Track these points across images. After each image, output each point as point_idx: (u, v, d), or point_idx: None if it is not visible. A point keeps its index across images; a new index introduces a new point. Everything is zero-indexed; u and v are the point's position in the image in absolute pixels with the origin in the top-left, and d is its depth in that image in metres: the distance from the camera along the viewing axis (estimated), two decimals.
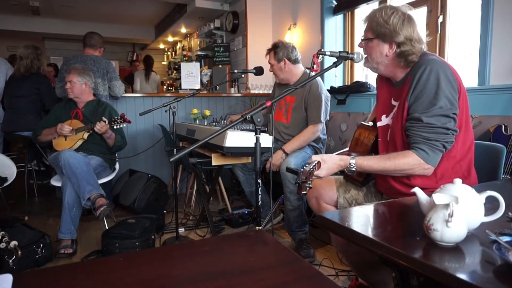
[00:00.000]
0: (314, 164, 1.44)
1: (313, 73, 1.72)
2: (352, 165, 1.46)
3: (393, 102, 1.57)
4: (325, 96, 2.68)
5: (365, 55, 1.56)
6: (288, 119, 2.78)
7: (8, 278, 0.67)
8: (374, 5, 3.34)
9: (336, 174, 1.82)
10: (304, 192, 1.39)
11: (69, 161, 2.49)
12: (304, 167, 1.43)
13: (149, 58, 6.21)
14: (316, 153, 2.72)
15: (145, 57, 6.37)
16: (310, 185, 1.40)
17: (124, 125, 2.76)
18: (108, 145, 2.90)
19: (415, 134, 1.40)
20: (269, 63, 2.80)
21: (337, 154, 1.80)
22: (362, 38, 1.55)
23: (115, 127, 2.75)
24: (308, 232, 2.55)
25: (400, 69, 1.52)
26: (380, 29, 1.46)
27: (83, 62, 3.29)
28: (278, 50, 2.72)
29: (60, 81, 3.32)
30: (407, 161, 1.40)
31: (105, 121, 2.70)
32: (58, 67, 6.02)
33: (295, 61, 2.74)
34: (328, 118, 2.77)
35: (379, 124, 1.65)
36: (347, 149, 1.83)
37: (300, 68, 2.79)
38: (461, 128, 1.42)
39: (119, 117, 2.75)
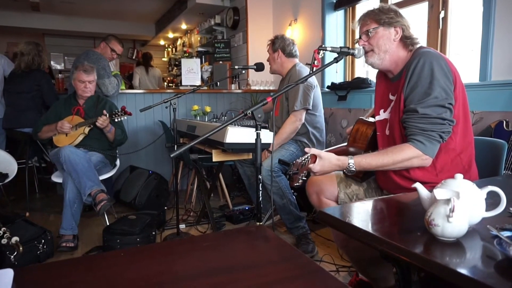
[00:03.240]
0: (306, 157, 1.42)
1: (314, 69, 1.71)
2: (351, 165, 1.44)
3: (391, 97, 1.57)
4: (305, 85, 2.57)
5: (369, 50, 1.55)
6: (277, 112, 2.79)
7: (9, 272, 0.67)
8: (375, 1, 3.32)
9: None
10: (297, 184, 1.37)
11: (70, 157, 2.49)
12: (297, 159, 1.43)
13: (146, 54, 6.29)
14: (303, 148, 2.60)
15: (143, 54, 6.43)
16: (303, 178, 1.38)
17: (125, 117, 2.76)
18: (109, 140, 2.90)
19: (411, 125, 1.40)
20: (268, 52, 2.85)
21: (334, 149, 1.79)
22: (365, 32, 1.55)
23: (116, 120, 2.75)
24: (306, 227, 2.53)
25: (405, 53, 1.53)
26: (383, 17, 1.52)
27: (80, 57, 3.31)
28: (276, 41, 2.79)
29: (72, 79, 3.24)
30: (405, 154, 1.39)
31: (106, 115, 2.71)
32: (52, 69, 5.99)
33: (289, 55, 2.76)
34: (309, 106, 2.59)
35: (377, 118, 1.65)
36: (345, 144, 1.82)
37: (292, 62, 2.78)
38: (459, 120, 1.43)
39: (119, 110, 2.75)
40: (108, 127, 2.78)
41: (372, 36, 1.53)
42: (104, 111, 2.74)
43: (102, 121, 2.69)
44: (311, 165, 1.41)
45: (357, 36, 1.63)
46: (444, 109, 1.36)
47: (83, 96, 2.92)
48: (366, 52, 1.56)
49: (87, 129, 2.82)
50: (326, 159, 1.45)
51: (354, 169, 1.45)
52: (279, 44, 2.76)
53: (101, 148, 2.89)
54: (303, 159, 1.41)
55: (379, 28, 1.52)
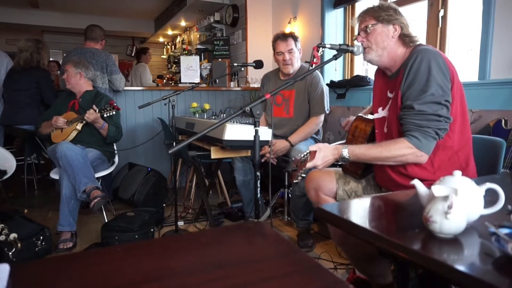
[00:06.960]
0: (305, 154, 1.43)
1: (313, 66, 1.71)
2: (345, 153, 1.47)
3: (389, 94, 1.58)
4: (325, 88, 2.78)
5: (366, 47, 1.56)
6: (291, 112, 2.78)
7: (5, 268, 0.66)
8: None
9: (335, 166, 1.82)
10: (296, 181, 1.40)
11: (66, 153, 2.48)
12: (296, 156, 1.44)
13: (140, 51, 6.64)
14: None
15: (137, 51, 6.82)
16: (302, 175, 1.40)
17: (114, 112, 2.71)
18: (102, 136, 2.86)
19: (407, 122, 1.41)
20: (287, 50, 2.67)
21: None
22: (364, 28, 1.55)
23: (105, 115, 2.70)
24: (312, 222, 2.56)
25: (404, 51, 1.53)
26: (382, 14, 1.52)
27: (82, 55, 3.28)
28: (298, 40, 2.75)
29: (61, 74, 3.33)
30: (400, 148, 1.40)
31: (95, 110, 2.67)
32: (60, 64, 6.09)
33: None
34: (329, 109, 2.84)
35: (375, 116, 1.66)
36: (344, 141, 1.83)
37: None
38: (457, 118, 1.43)
39: (108, 105, 2.72)
40: (99, 123, 2.73)
41: (370, 33, 1.54)
42: (94, 106, 2.69)
43: (89, 114, 2.64)
44: (313, 161, 1.42)
45: (356, 33, 1.64)
46: (441, 106, 1.37)
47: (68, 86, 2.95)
48: (364, 49, 1.57)
49: (79, 125, 2.79)
50: (326, 150, 1.48)
51: (347, 158, 1.47)
52: (299, 44, 2.76)
53: (97, 144, 2.87)
54: (302, 156, 1.42)
55: (378, 25, 1.53)
